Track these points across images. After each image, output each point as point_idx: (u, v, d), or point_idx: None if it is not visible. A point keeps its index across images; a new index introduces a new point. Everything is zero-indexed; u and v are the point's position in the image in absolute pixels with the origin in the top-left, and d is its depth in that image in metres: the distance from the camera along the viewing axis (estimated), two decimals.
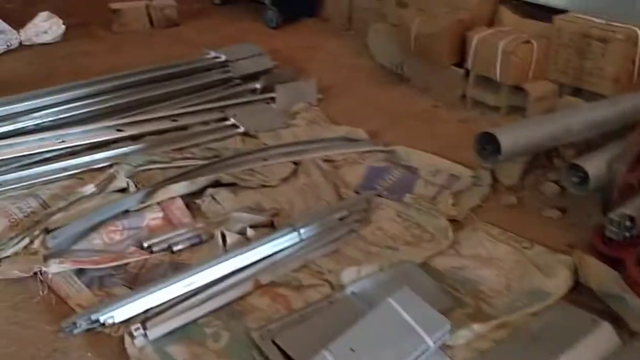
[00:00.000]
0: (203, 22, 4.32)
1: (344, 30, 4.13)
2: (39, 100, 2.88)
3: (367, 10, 3.97)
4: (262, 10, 4.23)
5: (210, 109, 3.02)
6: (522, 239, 2.20)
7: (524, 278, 2.01)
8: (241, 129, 2.90)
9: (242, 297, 1.95)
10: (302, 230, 2.17)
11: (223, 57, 3.34)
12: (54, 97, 2.91)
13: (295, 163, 2.65)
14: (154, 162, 2.65)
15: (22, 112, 2.81)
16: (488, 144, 2.34)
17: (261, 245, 2.12)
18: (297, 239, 2.16)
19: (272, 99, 3.16)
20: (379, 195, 2.43)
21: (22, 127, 2.73)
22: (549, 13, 2.99)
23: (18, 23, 4.00)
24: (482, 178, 2.52)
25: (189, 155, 2.73)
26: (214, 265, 2.03)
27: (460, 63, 3.11)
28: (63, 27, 3.97)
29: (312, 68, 3.60)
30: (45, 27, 3.91)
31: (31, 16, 4.12)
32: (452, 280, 2.02)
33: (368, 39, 3.70)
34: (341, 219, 2.26)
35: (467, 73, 3.08)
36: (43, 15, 3.97)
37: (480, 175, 2.53)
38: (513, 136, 2.25)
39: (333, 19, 4.22)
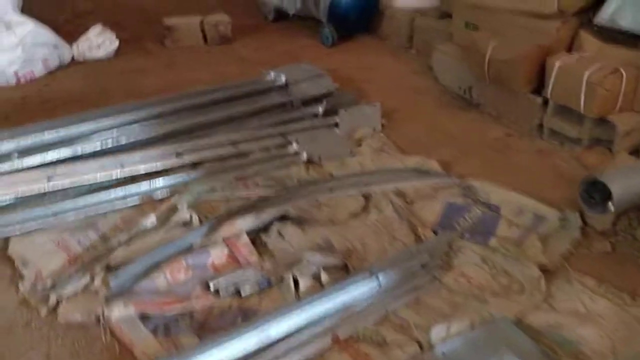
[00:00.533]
0: (257, 39, 4.19)
1: (404, 49, 3.95)
2: (95, 123, 2.76)
3: (430, 29, 3.80)
4: (317, 28, 4.09)
5: (271, 134, 2.88)
6: (623, 293, 2.00)
7: (631, 340, 1.81)
8: (304, 157, 2.75)
9: (319, 354, 1.79)
10: (380, 276, 2.00)
11: (283, 79, 3.19)
12: (111, 119, 2.79)
13: (364, 196, 2.49)
14: (216, 191, 2.51)
15: (79, 135, 2.69)
16: (591, 188, 2.14)
17: (337, 292, 1.95)
18: (375, 286, 1.99)
19: (335, 123, 3.00)
20: (460, 237, 2.26)
21: (81, 153, 2.61)
22: (634, 39, 2.80)
23: (69, 36, 3.92)
24: (571, 221, 2.32)
25: (251, 184, 2.59)
26: (287, 314, 1.87)
27: (538, 90, 2.92)
28: (116, 42, 3.87)
29: (373, 90, 3.44)
30: (99, 42, 3.82)
31: (82, 29, 4.05)
32: (549, 340, 1.83)
33: (432, 60, 3.53)
34: (423, 264, 2.09)
35: (546, 101, 2.88)
36: (96, 29, 3.88)
37: (569, 217, 2.33)
38: (625, 185, 2.05)
39: (391, 37, 4.05)
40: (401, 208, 2.41)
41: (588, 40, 2.94)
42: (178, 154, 2.67)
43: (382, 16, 4.09)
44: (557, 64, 2.79)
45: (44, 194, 2.40)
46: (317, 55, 3.92)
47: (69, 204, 2.37)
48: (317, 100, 3.12)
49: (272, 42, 4.13)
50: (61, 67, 3.74)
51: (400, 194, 2.51)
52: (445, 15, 3.89)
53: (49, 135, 2.64)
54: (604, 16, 2.89)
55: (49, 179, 2.43)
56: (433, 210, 2.41)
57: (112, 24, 4.17)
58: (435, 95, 3.39)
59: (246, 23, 4.38)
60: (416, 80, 3.56)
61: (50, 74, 3.65)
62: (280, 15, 4.41)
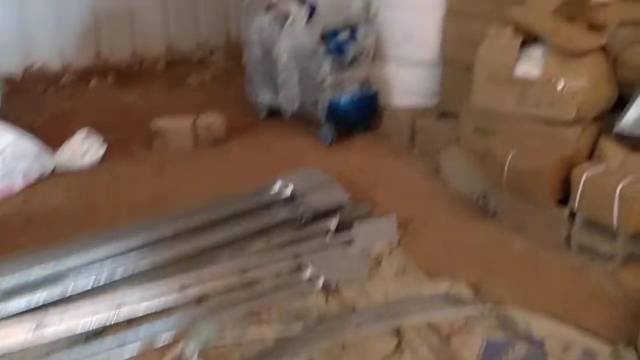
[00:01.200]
0: (251, 139, 3.99)
1: (406, 149, 3.80)
2: (87, 254, 2.48)
3: (432, 130, 3.67)
4: (315, 126, 3.92)
5: (281, 258, 2.63)
6: None
7: None
8: (321, 283, 2.50)
9: None
10: None
11: (289, 190, 2.98)
12: (103, 249, 2.52)
13: (395, 331, 2.24)
14: (226, 331, 2.24)
15: (69, 270, 2.41)
16: None
17: None
18: None
19: (349, 240, 2.78)
20: None
21: (72, 293, 2.32)
22: None
23: (50, 141, 3.68)
24: (624, 357, 2.11)
25: (265, 320, 2.32)
26: None
27: (563, 200, 2.76)
28: (102, 149, 3.64)
29: (381, 196, 3.24)
30: (83, 149, 3.58)
31: (64, 132, 3.81)
32: None
33: (441, 164, 3.37)
34: None
35: (572, 213, 2.72)
36: (81, 135, 3.64)
37: (622, 353, 2.11)
38: None
39: (392, 136, 3.90)
40: (438, 348, 2.17)
41: (610, 149, 2.81)
42: (181, 288, 2.40)
43: (382, 115, 3.95)
44: (584, 175, 2.64)
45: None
46: (318, 156, 3.74)
47: (58, 356, 2.07)
48: (328, 213, 2.91)
49: (268, 143, 3.94)
50: (42, 179, 3.46)
51: (434, 327, 2.27)
52: (444, 115, 3.79)
53: (35, 273, 2.35)
54: (626, 123, 2.78)
55: (36, 328, 2.13)
56: (472, 348, 2.17)
57: (96, 127, 3.95)
58: (448, 202, 3.21)
59: (239, 121, 4.19)
60: (425, 185, 3.38)
61: (31, 187, 3.37)
62: (274, 112, 4.24)
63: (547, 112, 2.89)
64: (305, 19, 3.69)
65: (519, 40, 2.96)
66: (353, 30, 3.80)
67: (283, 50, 3.69)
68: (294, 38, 3.67)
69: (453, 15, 3.63)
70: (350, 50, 3.69)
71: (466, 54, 3.52)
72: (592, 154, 2.88)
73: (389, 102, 3.97)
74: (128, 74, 5.25)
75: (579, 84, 2.83)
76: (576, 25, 3.08)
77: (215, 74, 5.36)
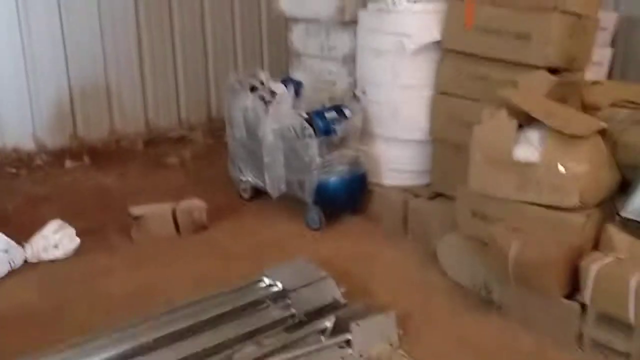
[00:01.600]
0: (235, 224, 3.80)
1: (399, 233, 3.64)
2: None
3: (426, 213, 3.52)
4: (301, 208, 3.75)
5: None
6: None
7: None
8: None
9: None
10: None
11: (279, 285, 2.78)
12: None
13: None
14: None
15: None
16: None
17: None
18: None
19: (347, 340, 2.57)
20: None
21: None
22: None
23: (21, 229, 3.45)
24: None
25: None
26: None
27: (572, 293, 2.60)
28: (77, 240, 3.40)
29: (376, 287, 3.06)
30: (56, 240, 3.35)
31: (36, 219, 3.59)
32: None
33: (438, 252, 3.20)
34: None
35: (583, 307, 2.55)
36: (53, 225, 3.42)
37: None
38: None
39: (383, 219, 3.75)
40: None
41: (617, 236, 2.67)
42: None
43: (371, 195, 3.80)
44: (594, 267, 2.49)
45: None
46: (306, 242, 3.56)
47: None
48: (321, 310, 2.71)
49: (252, 228, 3.75)
50: (12, 273, 3.21)
51: None
52: (437, 195, 3.66)
53: None
54: (632, 209, 2.66)
55: None
56: None
57: (70, 212, 3.75)
58: (448, 294, 3.02)
59: (220, 203, 4.00)
60: (422, 274, 3.20)
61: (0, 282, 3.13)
62: (258, 192, 4.08)
63: (549, 198, 2.76)
64: (291, 100, 3.58)
65: (515, 123, 2.86)
66: (340, 109, 3.70)
67: (269, 131, 3.56)
68: (280, 119, 3.54)
69: (442, 94, 3.54)
70: (339, 130, 3.57)
71: (456, 132, 3.46)
72: (597, 242, 2.75)
73: (378, 181, 3.84)
74: (105, 154, 5.07)
75: (581, 169, 2.71)
76: (571, 107, 3.03)
77: (196, 152, 5.21)
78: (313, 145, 3.49)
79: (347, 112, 3.68)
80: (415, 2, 3.51)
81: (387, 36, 3.59)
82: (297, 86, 3.80)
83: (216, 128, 5.83)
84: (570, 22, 3.07)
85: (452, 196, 3.53)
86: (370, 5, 3.72)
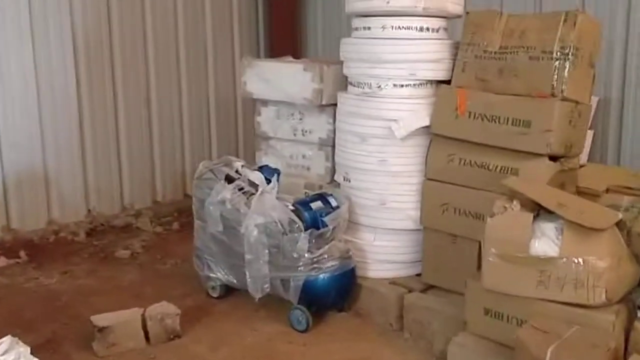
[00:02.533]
0: (210, 329, 3.39)
1: (393, 331, 3.36)
2: None
3: (424, 309, 3.27)
4: (279, 304, 3.41)
5: None
6: None
7: None
8: None
9: None
10: None
11: None
12: None
13: None
14: None
15: None
16: None
17: None
18: None
19: None
20: None
21: None
22: None
23: None
24: None
25: None
26: None
27: None
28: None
29: None
30: None
31: None
32: None
33: (450, 354, 2.94)
34: None
35: None
36: (3, 345, 2.89)
37: None
38: None
39: (373, 315, 3.46)
40: None
41: None
42: None
43: (359, 288, 3.53)
44: None
45: None
46: (293, 348, 3.20)
47: None
48: None
49: (231, 333, 3.35)
50: None
51: None
52: (429, 287, 3.45)
53: None
54: None
55: None
56: None
57: (15, 323, 3.26)
58: None
59: (188, 304, 3.60)
60: None
61: None
62: (227, 290, 3.71)
63: (572, 295, 2.59)
64: (275, 191, 3.30)
65: (530, 216, 2.71)
66: (324, 198, 3.45)
67: (252, 226, 3.24)
68: (264, 212, 3.24)
69: (433, 181, 3.37)
70: (329, 222, 3.30)
71: (450, 221, 3.30)
72: (627, 341, 2.59)
73: (363, 274, 3.57)
74: (43, 248, 4.57)
75: (604, 263, 2.56)
76: (568, 192, 2.94)
77: (146, 243, 4.77)
78: (302, 240, 3.20)
79: (332, 201, 3.43)
80: (402, 86, 3.37)
81: (373, 121, 3.42)
82: (275, 174, 3.53)
83: (163, 213, 5.45)
84: (569, 109, 3.01)
85: (447, 289, 3.37)
86: (351, 89, 3.56)
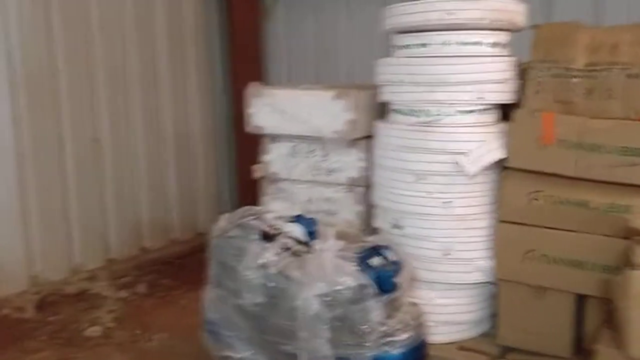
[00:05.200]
0: None
1: None
2: None
3: None
4: None
5: None
6: None
7: None
8: None
9: None
10: None
11: None
12: None
13: None
14: None
15: None
16: None
17: None
18: None
19: None
20: None
21: None
22: None
23: None
24: None
25: None
26: None
27: None
28: None
29: None
30: None
31: None
32: None
33: None
34: None
35: None
36: None
37: None
38: None
39: None
40: None
41: None
42: None
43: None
44: None
45: None
46: None
47: None
48: None
49: None
50: None
51: None
52: (508, 350, 2.89)
53: None
54: None
55: None
56: None
57: None
58: None
59: None
60: None
61: None
62: None
63: None
64: (334, 249, 2.62)
65: None
66: (378, 252, 2.80)
67: (312, 297, 2.52)
68: (326, 278, 2.54)
69: (509, 223, 2.83)
70: (396, 283, 2.66)
71: (534, 271, 2.77)
72: None
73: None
74: None
75: None
76: None
77: (116, 313, 3.88)
78: (375, 308, 2.53)
79: (389, 254, 2.79)
80: (469, 112, 2.83)
81: (434, 155, 2.84)
82: (314, 225, 2.85)
83: (120, 272, 4.57)
84: None
85: (530, 351, 2.83)
86: (399, 118, 2.96)
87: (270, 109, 3.28)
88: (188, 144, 5.20)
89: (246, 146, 5.15)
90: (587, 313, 2.77)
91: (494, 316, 3.02)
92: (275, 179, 3.46)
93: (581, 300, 2.77)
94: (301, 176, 3.37)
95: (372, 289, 2.57)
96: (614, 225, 2.58)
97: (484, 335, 3.02)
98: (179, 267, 4.73)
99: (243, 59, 5.31)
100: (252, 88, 3.35)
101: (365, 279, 2.55)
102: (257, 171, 3.47)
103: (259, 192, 3.48)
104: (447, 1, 2.71)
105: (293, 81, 5.13)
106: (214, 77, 5.40)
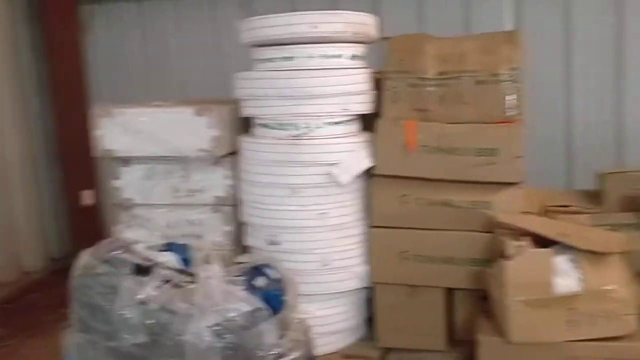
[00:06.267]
0: None
1: None
2: None
3: None
4: None
5: None
6: None
7: None
8: None
9: None
10: None
11: None
12: None
13: None
14: None
15: None
16: None
17: None
18: None
19: None
20: None
21: None
22: None
23: None
24: None
25: None
26: None
27: None
28: None
29: None
30: None
31: None
32: None
33: None
34: None
35: None
36: None
37: None
38: None
39: None
40: None
41: None
42: None
43: None
44: None
45: None
46: None
47: None
48: None
49: None
50: None
51: None
52: (388, 350, 2.99)
53: None
54: None
55: None
56: None
57: None
58: None
59: None
60: None
61: None
62: None
63: (605, 329, 2.42)
64: (220, 275, 2.47)
65: (550, 252, 2.47)
66: (260, 271, 2.72)
67: (204, 329, 2.35)
68: (216, 307, 2.39)
69: (382, 228, 2.93)
70: (285, 301, 2.60)
71: (408, 271, 2.90)
72: None
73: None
74: None
75: (626, 289, 2.46)
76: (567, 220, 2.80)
77: None
78: (268, 331, 2.44)
79: (270, 272, 2.72)
80: (336, 123, 2.86)
81: (307, 168, 2.83)
82: (188, 252, 2.69)
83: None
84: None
85: (410, 349, 2.96)
86: (267, 132, 2.91)
87: (121, 129, 3.03)
88: (3, 175, 4.61)
89: (75, 172, 4.75)
90: (457, 306, 2.96)
91: (370, 320, 3.10)
92: (128, 205, 3.20)
93: (450, 294, 2.95)
94: (159, 200, 3.15)
95: (266, 311, 2.49)
96: (477, 221, 2.78)
97: (364, 340, 3.09)
98: (8, 312, 4.18)
99: (63, 77, 4.84)
100: (100, 108, 3.07)
101: (258, 302, 2.46)
102: (88, 197, 3.18)
103: (97, 221, 3.20)
104: (311, 14, 2.72)
105: (122, 98, 4.78)
106: (28, 99, 4.86)
